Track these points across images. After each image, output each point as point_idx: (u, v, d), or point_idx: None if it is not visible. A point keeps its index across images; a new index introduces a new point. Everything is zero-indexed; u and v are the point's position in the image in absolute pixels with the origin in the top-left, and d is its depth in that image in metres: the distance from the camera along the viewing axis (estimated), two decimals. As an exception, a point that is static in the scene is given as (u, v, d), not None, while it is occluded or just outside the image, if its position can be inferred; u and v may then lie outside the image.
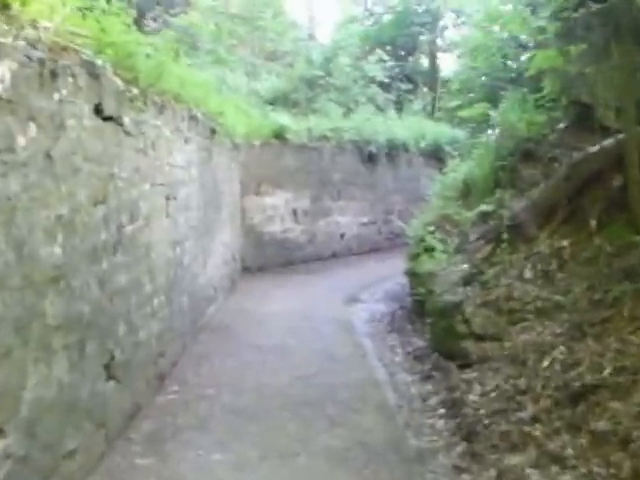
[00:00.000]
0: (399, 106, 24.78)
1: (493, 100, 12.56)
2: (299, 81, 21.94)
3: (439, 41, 32.67)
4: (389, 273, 15.72)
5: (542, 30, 10.23)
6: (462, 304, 7.99)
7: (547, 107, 10.29)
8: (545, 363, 6.54)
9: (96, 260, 5.15)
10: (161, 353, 7.26)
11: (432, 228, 10.52)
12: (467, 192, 10.74)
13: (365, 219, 19.53)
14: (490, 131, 11.68)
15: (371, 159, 19.42)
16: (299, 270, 16.26)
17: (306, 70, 22.35)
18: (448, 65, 35.97)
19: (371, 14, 32.43)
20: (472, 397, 6.77)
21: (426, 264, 9.83)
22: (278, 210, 16.39)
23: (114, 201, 5.56)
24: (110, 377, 5.49)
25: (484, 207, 9.03)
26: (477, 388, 6.92)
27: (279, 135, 16.28)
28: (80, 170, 4.83)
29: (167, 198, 7.55)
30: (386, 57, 24.46)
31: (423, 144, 21.75)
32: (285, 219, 16.63)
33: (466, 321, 7.82)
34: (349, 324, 10.86)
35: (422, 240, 10.55)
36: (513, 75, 12.99)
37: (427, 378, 7.94)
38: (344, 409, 6.77)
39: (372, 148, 19.15)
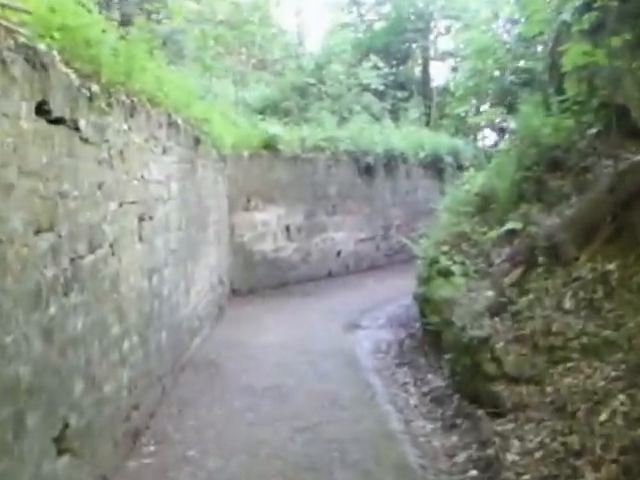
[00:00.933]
0: (395, 115, 23.70)
1: (507, 105, 11.44)
2: (290, 89, 20.83)
3: (432, 49, 31.82)
4: (390, 294, 14.60)
5: (566, 25, 9.12)
6: (490, 339, 6.80)
7: (574, 111, 9.16)
8: (603, 416, 5.36)
9: (39, 305, 3.93)
10: (135, 405, 6.03)
11: (446, 248, 9.33)
12: (484, 206, 9.56)
13: (362, 235, 18.32)
14: (508, 139, 10.49)
15: (368, 171, 18.24)
16: (293, 292, 15.04)
17: (297, 78, 21.24)
18: (441, 74, 35.19)
19: (363, 21, 31.28)
20: (511, 457, 5.58)
21: (441, 289, 8.63)
22: (269, 227, 15.18)
23: (65, 226, 4.33)
24: (62, 451, 4.26)
25: (511, 224, 7.82)
26: (516, 444, 5.73)
27: (270, 145, 15.09)
28: (13, 187, 3.62)
29: (140, 219, 6.33)
30: (381, 64, 23.35)
31: (422, 154, 20.59)
32: (277, 236, 15.42)
33: (496, 359, 6.65)
34: (352, 357, 9.65)
35: (435, 261, 9.35)
36: (527, 77, 11.83)
37: (451, 427, 6.74)
38: (357, 475, 5.56)
39: (369, 159, 17.97)
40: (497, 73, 12.95)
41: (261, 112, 17.99)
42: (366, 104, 22.38)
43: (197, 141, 9.34)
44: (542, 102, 9.93)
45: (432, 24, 31.30)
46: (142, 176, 6.37)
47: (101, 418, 5.02)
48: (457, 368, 7.40)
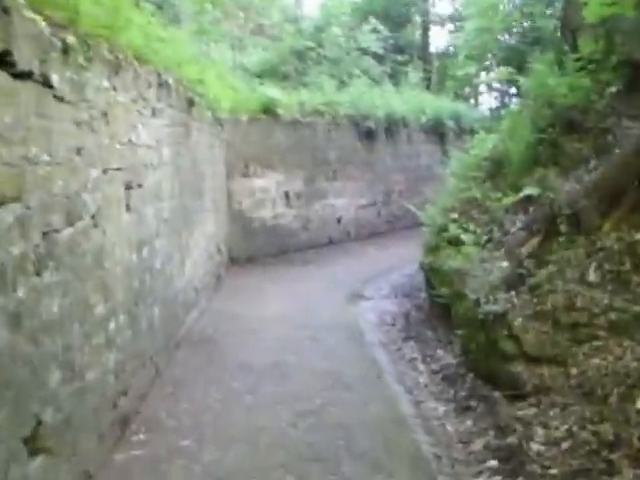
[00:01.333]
0: (394, 79, 23.04)
1: (517, 64, 10.83)
2: (289, 53, 20.15)
3: (431, 13, 31.12)
4: (393, 262, 14.14)
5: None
6: (507, 314, 6.29)
7: (590, 69, 8.58)
8: (639, 403, 4.87)
9: (3, 288, 3.40)
10: (123, 391, 5.52)
11: (455, 215, 8.80)
12: (496, 171, 9.01)
13: (363, 201, 17.78)
14: (518, 100, 9.90)
15: (369, 135, 17.65)
16: (293, 260, 14.54)
17: (296, 41, 20.55)
18: (441, 38, 34.63)
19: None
20: (535, 446, 5.08)
21: (451, 259, 8.12)
22: (268, 193, 14.63)
23: (36, 196, 3.80)
24: (35, 452, 3.76)
25: (528, 190, 7.26)
26: (539, 432, 5.24)
27: (268, 110, 14.49)
28: (-33, 152, 3.09)
29: (128, 187, 5.79)
30: (380, 27, 22.63)
31: (423, 119, 19.99)
32: (276, 203, 14.88)
33: (514, 337, 6.15)
34: (356, 330, 9.16)
35: (443, 229, 8.84)
36: (536, 35, 11.21)
37: (465, 410, 6.26)
38: (366, 467, 5.06)
39: (370, 123, 17.38)
40: (504, 34, 12.32)
41: (259, 76, 17.36)
42: (366, 68, 21.69)
43: (191, 103, 8.76)
44: (555, 61, 9.33)
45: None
46: (129, 140, 5.81)
47: (83, 410, 4.51)
48: (470, 345, 6.92)
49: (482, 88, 38.26)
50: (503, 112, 16.18)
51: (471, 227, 8.39)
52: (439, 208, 9.56)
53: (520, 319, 6.19)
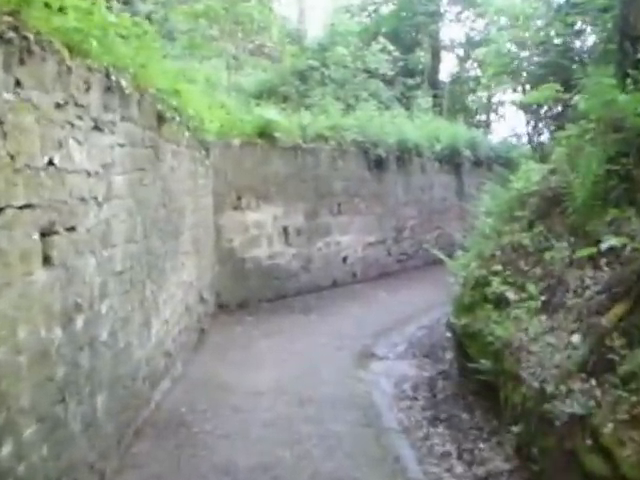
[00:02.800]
0: (404, 104, 21.33)
1: (559, 81, 9.02)
2: (290, 73, 18.45)
3: (442, 37, 29.72)
4: (407, 310, 12.34)
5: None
6: (591, 417, 4.41)
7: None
8: None
9: None
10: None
11: (497, 266, 6.93)
12: (548, 211, 7.10)
13: (372, 238, 15.91)
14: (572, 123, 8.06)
15: (379, 164, 15.84)
16: (292, 306, 12.66)
17: (298, 60, 18.86)
18: (451, 63, 33.15)
19: (369, 3, 28.82)
20: None
21: (495, 324, 6.24)
22: (264, 229, 12.77)
23: None
24: None
25: (610, 240, 5.36)
26: None
27: (265, 133, 12.69)
28: None
29: (47, 232, 3.93)
30: (390, 47, 20.93)
31: (438, 147, 18.20)
32: (273, 240, 13.01)
33: (603, 451, 4.26)
34: (369, 407, 7.27)
35: (482, 284, 6.97)
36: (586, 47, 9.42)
37: None
38: None
39: (380, 151, 15.57)
40: (540, 47, 10.64)
41: (256, 97, 15.59)
42: (374, 91, 20.01)
43: (160, 119, 6.90)
44: (615, 76, 7.51)
45: (442, 9, 29.17)
46: (50, 162, 3.97)
47: None
48: (532, 449, 5.03)
49: (501, 113, 36.80)
50: (547, 138, 14.34)
51: (519, 282, 6.52)
52: (473, 255, 7.69)
53: (611, 425, 4.30)
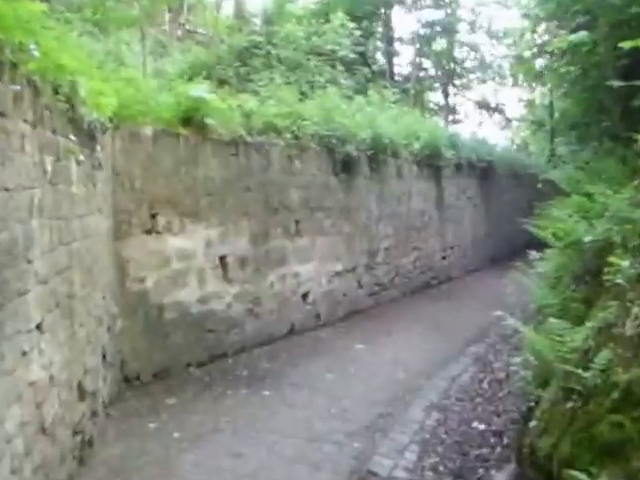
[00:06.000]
0: (365, 95, 17.43)
1: None
2: (227, 52, 14.41)
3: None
4: (399, 375, 8.91)
5: None
6: None
7: None
8: None
9: None
10: None
11: None
12: None
13: (339, 266, 11.91)
14: None
15: (347, 167, 11.89)
16: (234, 374, 8.64)
17: (237, 38, 14.84)
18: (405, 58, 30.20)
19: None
20: None
21: None
22: (192, 260, 8.70)
23: None
24: None
25: None
26: None
27: (193, 119, 8.66)
28: None
29: None
30: (350, 24, 17.02)
31: (416, 146, 14.33)
32: (206, 276, 8.94)
33: None
34: None
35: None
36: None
37: None
38: None
39: (349, 149, 11.61)
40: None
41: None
42: (333, 77, 16.02)
43: None
44: None
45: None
46: None
47: None
48: None
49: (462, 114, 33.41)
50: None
51: None
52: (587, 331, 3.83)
53: None
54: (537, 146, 34.57)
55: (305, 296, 10.99)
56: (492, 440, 6.55)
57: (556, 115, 31.56)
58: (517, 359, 5.06)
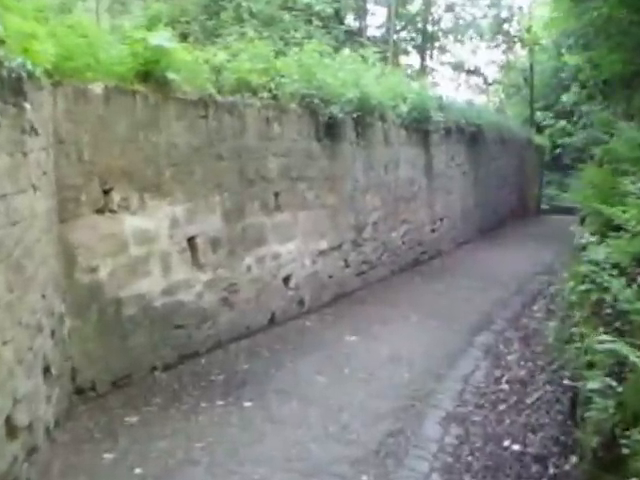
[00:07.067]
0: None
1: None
2: (192, 3, 12.84)
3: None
4: (401, 378, 7.51)
5: None
6: None
7: None
8: None
9: None
10: None
11: None
12: None
13: (324, 244, 10.53)
14: None
15: (331, 131, 10.46)
16: (208, 379, 7.25)
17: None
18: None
19: None
20: None
21: None
22: (155, 244, 7.26)
23: None
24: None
25: None
26: None
27: (152, 73, 7.17)
28: None
29: None
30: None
31: (404, 109, 12.93)
32: (172, 262, 7.50)
33: None
34: None
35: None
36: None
37: None
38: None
39: (334, 111, 10.17)
40: None
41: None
42: (310, 34, 14.52)
43: None
44: None
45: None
46: None
47: None
48: None
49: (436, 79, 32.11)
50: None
51: None
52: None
53: None
54: (513, 110, 33.42)
55: (287, 280, 9.60)
56: (534, 468, 5.26)
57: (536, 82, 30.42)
58: (594, 384, 3.66)
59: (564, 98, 26.28)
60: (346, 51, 13.61)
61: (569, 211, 27.28)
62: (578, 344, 5.27)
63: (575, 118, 24.62)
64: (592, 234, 5.24)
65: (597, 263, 4.66)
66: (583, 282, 5.49)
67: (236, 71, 8.65)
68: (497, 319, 10.04)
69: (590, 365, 4.69)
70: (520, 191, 23.59)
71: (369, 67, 12.61)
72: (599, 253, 4.64)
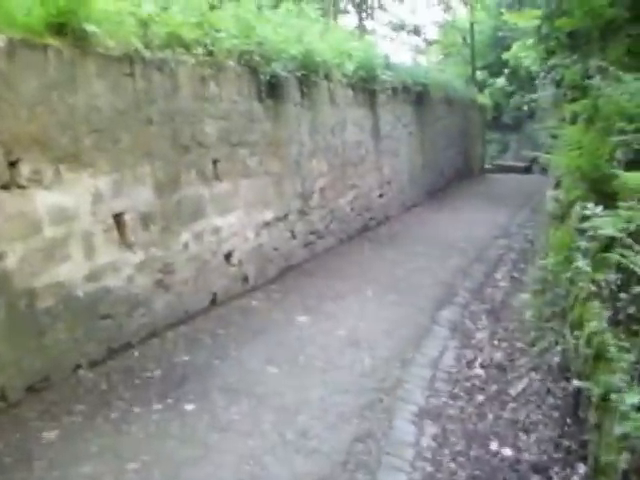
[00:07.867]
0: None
1: None
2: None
3: None
4: (361, 358, 6.51)
5: None
6: None
7: None
8: None
9: None
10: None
11: None
12: None
13: (269, 214, 9.63)
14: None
15: (274, 91, 9.50)
16: (143, 376, 6.32)
17: None
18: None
19: None
20: None
21: None
22: (75, 223, 6.26)
23: None
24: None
25: None
26: None
27: (68, 26, 6.11)
28: None
29: None
30: None
31: (350, 67, 12.02)
32: (95, 243, 6.52)
33: None
34: None
35: None
36: None
37: None
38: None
39: (277, 69, 9.21)
40: None
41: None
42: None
43: None
44: None
45: None
46: None
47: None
48: None
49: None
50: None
51: None
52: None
53: None
54: (452, 70, 32.76)
55: (228, 256, 8.67)
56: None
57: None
58: (633, 398, 2.88)
59: (505, 56, 25.68)
60: (286, 5, 12.53)
61: (512, 169, 27.13)
62: (577, 332, 4.51)
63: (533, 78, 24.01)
64: (595, 204, 4.43)
65: (613, 239, 3.88)
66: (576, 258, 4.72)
67: (166, 24, 7.60)
68: (460, 290, 9.31)
69: (597, 358, 3.97)
70: (465, 151, 22.97)
71: (312, 22, 11.62)
72: (608, 226, 3.84)
